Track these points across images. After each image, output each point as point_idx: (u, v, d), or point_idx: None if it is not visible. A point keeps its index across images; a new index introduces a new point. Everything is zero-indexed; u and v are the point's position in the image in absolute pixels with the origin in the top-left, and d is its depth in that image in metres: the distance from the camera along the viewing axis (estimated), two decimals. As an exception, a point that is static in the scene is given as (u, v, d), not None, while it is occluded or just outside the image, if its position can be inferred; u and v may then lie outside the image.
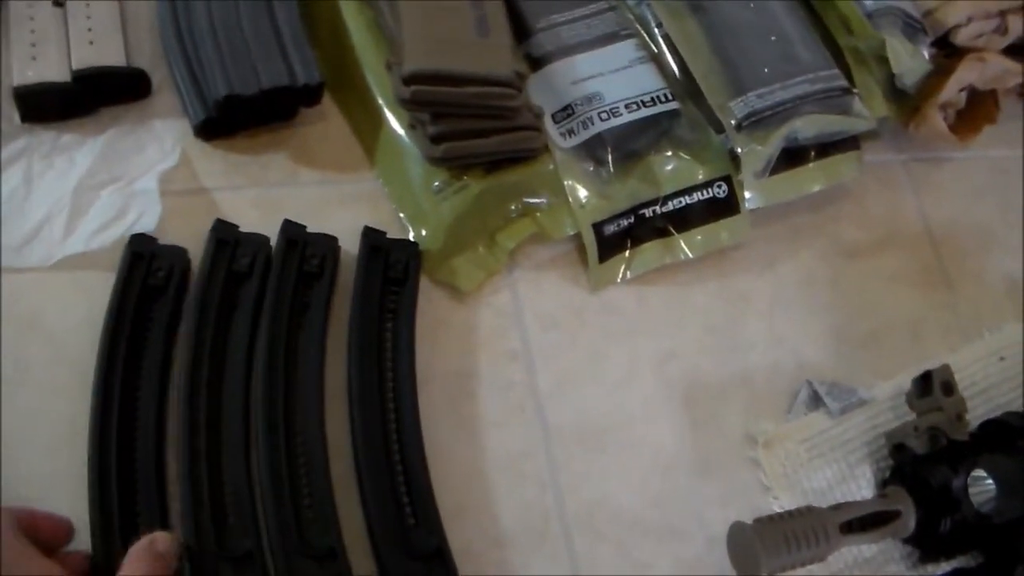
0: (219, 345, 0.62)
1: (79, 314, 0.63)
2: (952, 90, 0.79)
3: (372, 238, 0.67)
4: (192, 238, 0.66)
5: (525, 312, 0.71)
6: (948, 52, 0.81)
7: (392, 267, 0.67)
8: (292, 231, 0.66)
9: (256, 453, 0.59)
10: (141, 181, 0.68)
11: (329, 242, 0.67)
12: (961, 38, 0.80)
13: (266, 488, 0.58)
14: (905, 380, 0.69)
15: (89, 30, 0.69)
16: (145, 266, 0.63)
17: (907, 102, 0.81)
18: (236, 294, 0.64)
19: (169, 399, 0.61)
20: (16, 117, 0.68)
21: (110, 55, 0.69)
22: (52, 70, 0.67)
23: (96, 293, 0.63)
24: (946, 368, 0.67)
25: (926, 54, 0.78)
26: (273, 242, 0.66)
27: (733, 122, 0.73)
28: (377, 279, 0.67)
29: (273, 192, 0.71)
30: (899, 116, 0.81)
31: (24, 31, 0.68)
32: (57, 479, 0.58)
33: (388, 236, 0.68)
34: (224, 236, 0.65)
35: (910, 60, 0.77)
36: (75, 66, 0.68)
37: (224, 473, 0.59)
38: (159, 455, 0.59)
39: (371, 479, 0.60)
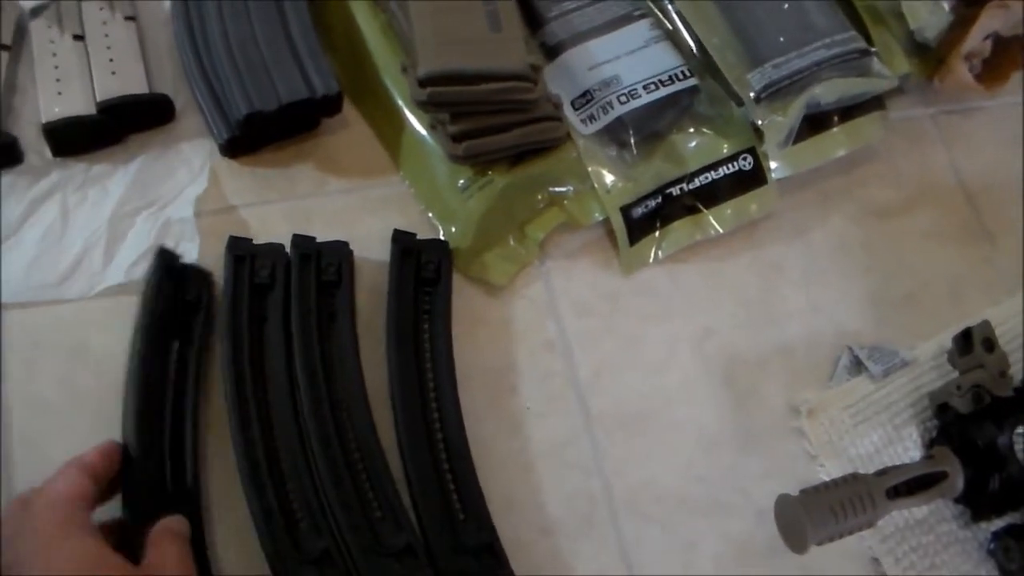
0: (257, 360, 0.63)
1: (124, 340, 0.63)
2: (976, 39, 0.78)
3: (403, 241, 0.68)
4: (226, 257, 0.67)
5: (559, 301, 0.71)
6: (969, 1, 0.79)
7: (424, 267, 0.68)
8: (303, 244, 0.66)
9: (314, 463, 0.60)
10: (176, 208, 0.69)
11: (341, 248, 0.67)
12: (981, -14, 0.78)
13: (331, 494, 0.59)
14: (946, 339, 0.69)
15: (111, 60, 0.71)
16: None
17: (930, 55, 0.80)
18: (263, 306, 0.65)
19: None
20: (48, 152, 0.69)
21: (133, 83, 0.71)
22: (78, 103, 0.69)
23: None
24: (986, 324, 0.66)
25: (946, 6, 0.77)
26: (287, 249, 0.67)
27: (752, 94, 0.73)
28: (410, 281, 0.67)
29: (302, 204, 0.72)
30: (923, 70, 0.81)
31: (48, 67, 0.70)
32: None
33: (418, 237, 0.69)
34: (240, 252, 0.65)
35: (928, 15, 0.76)
36: (99, 97, 0.69)
37: (288, 483, 0.60)
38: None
39: (419, 478, 0.62)
